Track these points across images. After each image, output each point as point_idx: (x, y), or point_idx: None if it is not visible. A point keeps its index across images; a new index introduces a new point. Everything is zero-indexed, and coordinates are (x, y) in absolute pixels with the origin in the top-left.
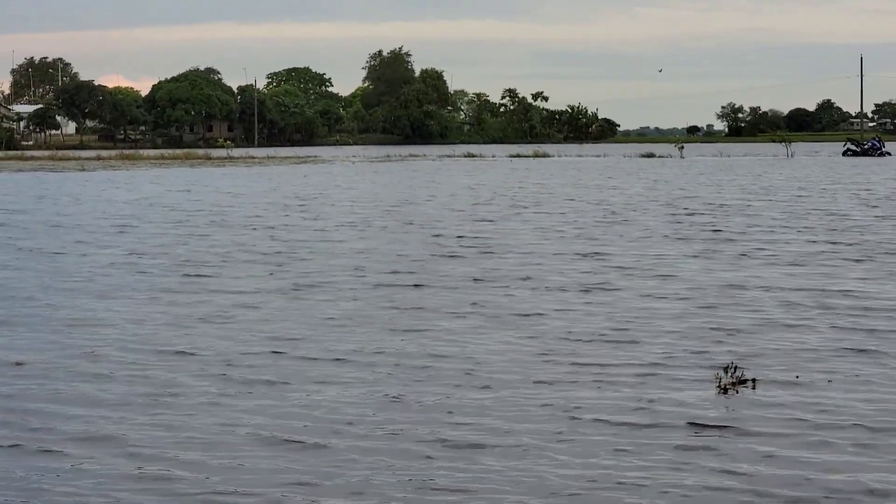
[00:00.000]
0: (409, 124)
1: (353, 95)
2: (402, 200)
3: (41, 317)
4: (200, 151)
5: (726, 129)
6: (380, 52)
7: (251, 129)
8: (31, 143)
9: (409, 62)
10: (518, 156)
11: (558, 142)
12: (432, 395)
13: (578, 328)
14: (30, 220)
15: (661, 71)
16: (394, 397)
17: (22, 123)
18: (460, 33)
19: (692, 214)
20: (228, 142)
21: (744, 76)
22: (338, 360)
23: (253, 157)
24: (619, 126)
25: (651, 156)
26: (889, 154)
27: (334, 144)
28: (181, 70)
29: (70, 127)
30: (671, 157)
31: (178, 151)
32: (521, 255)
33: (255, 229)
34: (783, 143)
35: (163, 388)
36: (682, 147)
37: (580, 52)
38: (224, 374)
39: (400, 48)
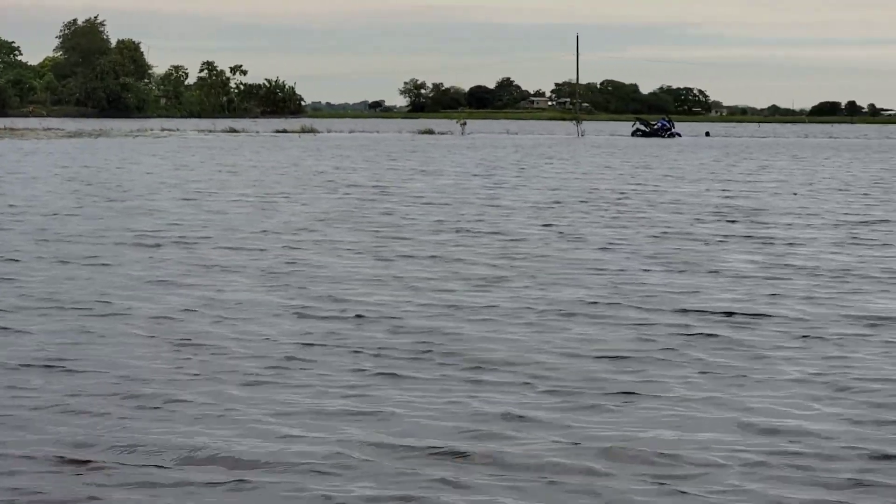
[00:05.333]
0: (106, 97)
1: (43, 66)
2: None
3: None
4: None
5: (410, 106)
6: (74, 20)
7: None
8: None
9: (104, 32)
10: (285, 131)
11: (256, 116)
12: None
13: None
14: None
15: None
16: None
17: None
18: (142, 5)
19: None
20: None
21: (421, 53)
22: None
23: (62, 130)
24: (303, 101)
25: (430, 132)
26: (679, 135)
27: (28, 116)
28: None
29: None
30: (452, 133)
31: None
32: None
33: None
34: (574, 122)
35: None
36: (465, 123)
37: (263, 25)
38: None
39: (95, 17)
